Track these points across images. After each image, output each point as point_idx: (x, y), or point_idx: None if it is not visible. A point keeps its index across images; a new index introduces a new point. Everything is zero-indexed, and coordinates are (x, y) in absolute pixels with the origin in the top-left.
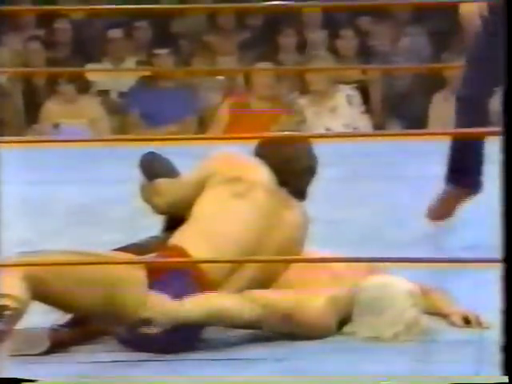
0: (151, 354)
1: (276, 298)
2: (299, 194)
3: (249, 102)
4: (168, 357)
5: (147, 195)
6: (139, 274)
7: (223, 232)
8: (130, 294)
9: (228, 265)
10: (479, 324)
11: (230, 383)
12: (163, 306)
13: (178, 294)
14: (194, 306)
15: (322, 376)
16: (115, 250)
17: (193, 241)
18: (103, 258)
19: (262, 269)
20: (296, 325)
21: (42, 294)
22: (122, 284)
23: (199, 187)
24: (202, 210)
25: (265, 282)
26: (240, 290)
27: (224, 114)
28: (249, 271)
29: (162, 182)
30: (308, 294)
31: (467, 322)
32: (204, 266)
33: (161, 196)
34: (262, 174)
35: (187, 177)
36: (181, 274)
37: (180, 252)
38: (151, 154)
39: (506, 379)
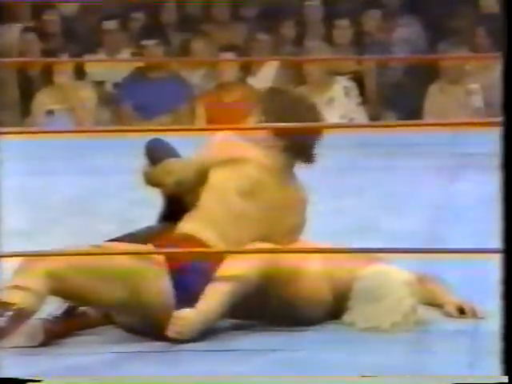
0: (151, 345)
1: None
2: (307, 156)
3: (221, 97)
4: (166, 348)
5: (155, 178)
6: (159, 265)
7: (233, 229)
8: (152, 285)
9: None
10: (474, 314)
11: (230, 377)
12: (187, 322)
13: (200, 283)
14: (210, 304)
15: (322, 376)
16: (111, 240)
17: (203, 230)
18: (123, 250)
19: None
20: (294, 284)
21: (63, 290)
22: (145, 276)
23: (203, 173)
24: (210, 203)
25: None
26: None
27: (201, 112)
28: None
29: (171, 161)
30: (307, 259)
31: (462, 311)
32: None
33: (171, 174)
34: (262, 161)
35: (191, 159)
36: (199, 262)
37: (195, 241)
38: (156, 139)
39: (505, 379)
